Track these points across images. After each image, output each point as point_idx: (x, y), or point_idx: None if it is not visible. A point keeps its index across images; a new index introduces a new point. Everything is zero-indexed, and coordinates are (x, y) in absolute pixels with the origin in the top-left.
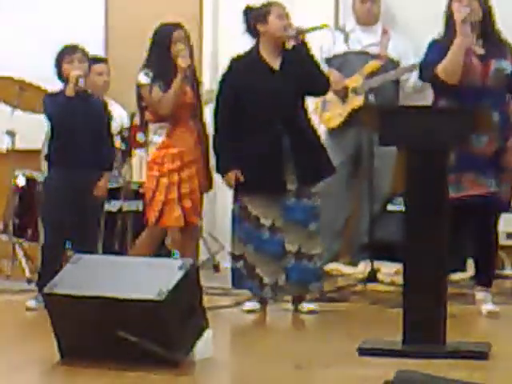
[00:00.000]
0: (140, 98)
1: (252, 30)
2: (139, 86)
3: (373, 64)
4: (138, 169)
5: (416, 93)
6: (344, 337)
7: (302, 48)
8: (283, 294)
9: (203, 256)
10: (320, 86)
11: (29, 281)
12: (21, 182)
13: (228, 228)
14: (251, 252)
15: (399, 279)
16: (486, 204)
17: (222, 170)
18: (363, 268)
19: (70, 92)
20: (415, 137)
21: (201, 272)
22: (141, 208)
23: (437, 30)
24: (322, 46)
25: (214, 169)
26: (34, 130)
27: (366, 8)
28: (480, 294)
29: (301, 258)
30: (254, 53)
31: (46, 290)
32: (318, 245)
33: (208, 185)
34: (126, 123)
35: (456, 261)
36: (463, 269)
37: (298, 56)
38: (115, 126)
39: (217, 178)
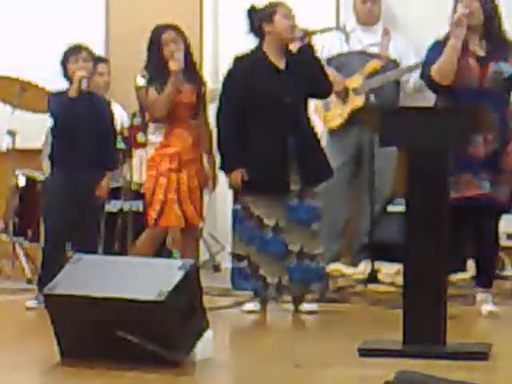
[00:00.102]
0: (138, 99)
1: (256, 29)
2: (136, 88)
3: (373, 64)
4: (138, 169)
5: (416, 93)
6: (344, 337)
7: (308, 49)
8: (286, 293)
9: (204, 256)
10: (323, 88)
11: (29, 281)
12: (21, 181)
13: (228, 228)
14: (254, 252)
15: (399, 280)
16: (482, 205)
17: (228, 169)
18: (363, 268)
19: (72, 93)
20: (416, 137)
21: (201, 272)
22: (141, 208)
23: (438, 30)
24: (322, 46)
25: (218, 168)
26: (34, 129)
27: (366, 8)
28: (480, 295)
29: (303, 258)
30: (258, 52)
31: (46, 290)
32: (320, 245)
33: (212, 185)
34: (127, 123)
35: (456, 261)
36: (463, 269)
37: (303, 57)
38: (115, 126)
39: (220, 178)
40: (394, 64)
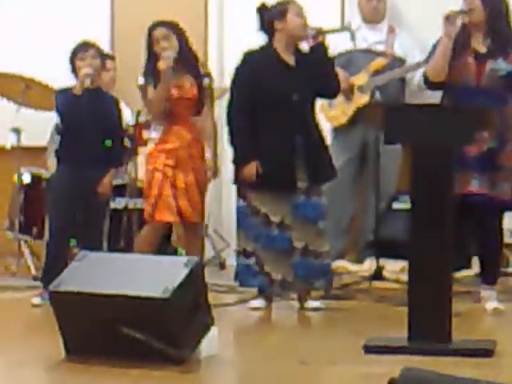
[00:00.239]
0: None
1: (267, 27)
2: (138, 87)
3: (378, 62)
4: (143, 166)
5: (422, 91)
6: (349, 334)
7: (320, 48)
8: (291, 290)
9: (209, 253)
10: (332, 89)
11: (34, 278)
12: (26, 179)
13: (234, 225)
14: (260, 249)
15: (404, 277)
16: (483, 204)
17: (242, 161)
18: (369, 265)
19: (76, 90)
20: (421, 135)
21: (206, 269)
22: None
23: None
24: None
25: (231, 161)
26: (39, 127)
27: (371, 6)
28: (485, 292)
29: (307, 255)
30: (268, 49)
31: (51, 287)
32: (326, 243)
33: (215, 173)
34: (131, 121)
35: (461, 258)
36: (468, 266)
37: (315, 56)
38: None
39: (224, 176)
40: (400, 62)
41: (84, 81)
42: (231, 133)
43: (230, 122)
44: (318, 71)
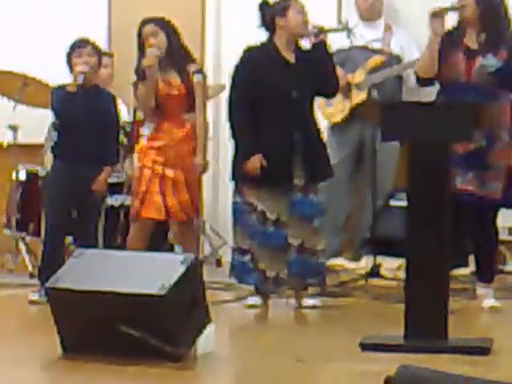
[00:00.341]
0: None
1: (268, 23)
2: (131, 84)
3: (376, 59)
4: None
5: (418, 88)
6: (346, 332)
7: (321, 47)
8: (284, 286)
9: (206, 251)
10: (331, 87)
11: (31, 275)
12: (22, 176)
13: (230, 223)
14: (256, 246)
15: (401, 274)
16: (470, 202)
17: (246, 155)
18: (365, 263)
19: (70, 88)
20: (418, 132)
21: (203, 266)
22: None
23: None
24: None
25: (233, 156)
26: (36, 124)
27: (368, 3)
28: (481, 290)
29: (303, 252)
30: (269, 45)
31: (48, 284)
32: (321, 240)
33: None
34: (128, 118)
35: (458, 256)
36: (465, 264)
37: (316, 54)
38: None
39: (221, 172)
40: (397, 59)
41: (77, 78)
42: (233, 128)
43: (231, 118)
44: (318, 69)
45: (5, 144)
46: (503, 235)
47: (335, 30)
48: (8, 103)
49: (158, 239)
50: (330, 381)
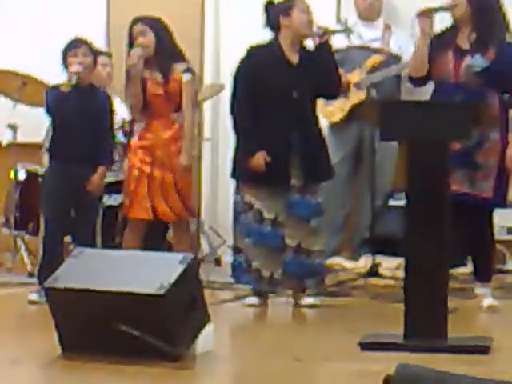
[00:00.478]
0: None
1: (273, 23)
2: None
3: (374, 59)
4: None
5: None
6: (345, 331)
7: (325, 47)
8: (279, 286)
9: (205, 250)
10: (333, 89)
11: (30, 274)
12: (22, 175)
13: (229, 222)
14: (250, 245)
15: (400, 274)
16: (461, 202)
17: (249, 152)
18: (364, 262)
19: (64, 88)
20: (416, 131)
21: (202, 266)
22: None
23: (439, 25)
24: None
25: (238, 152)
26: (35, 123)
27: (367, 2)
28: (480, 289)
29: (299, 253)
30: (273, 45)
31: (47, 283)
32: (318, 241)
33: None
34: (127, 117)
35: (456, 255)
36: (464, 263)
37: (319, 54)
38: (117, 121)
39: (220, 171)
40: (395, 59)
41: (71, 78)
42: (235, 126)
43: (234, 115)
44: (321, 70)
45: (4, 143)
46: (502, 235)
47: (340, 32)
48: (7, 102)
49: (157, 239)
50: (328, 380)
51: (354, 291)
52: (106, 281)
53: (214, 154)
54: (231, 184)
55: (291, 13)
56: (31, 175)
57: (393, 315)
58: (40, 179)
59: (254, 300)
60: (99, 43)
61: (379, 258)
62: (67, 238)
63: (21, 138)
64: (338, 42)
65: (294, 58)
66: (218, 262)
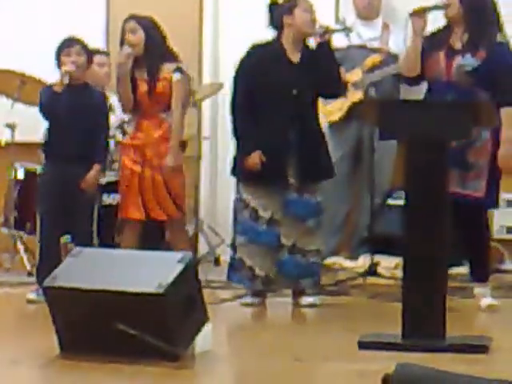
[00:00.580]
0: None
1: (276, 22)
2: None
3: (373, 58)
4: None
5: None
6: (344, 330)
7: (326, 46)
8: (274, 286)
9: (203, 249)
10: (334, 88)
11: (29, 274)
12: (20, 174)
13: (228, 221)
14: (245, 243)
15: (399, 273)
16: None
17: (246, 151)
18: (363, 262)
19: (57, 87)
20: (415, 130)
21: (201, 265)
22: None
23: (437, 25)
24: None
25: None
26: (34, 122)
27: (366, 2)
28: (478, 289)
29: (294, 253)
30: (275, 43)
31: (46, 282)
32: (314, 241)
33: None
34: (126, 116)
35: (455, 255)
36: (462, 263)
37: (320, 53)
38: (115, 120)
39: (219, 171)
40: (394, 58)
41: (63, 78)
42: (234, 123)
43: (233, 113)
44: (322, 68)
45: (2, 142)
46: (501, 234)
47: (340, 30)
48: (6, 101)
49: (155, 239)
50: (327, 380)
51: (353, 290)
52: (105, 280)
53: (212, 153)
54: (230, 183)
55: (294, 11)
56: (30, 174)
57: (392, 314)
58: (38, 178)
59: (249, 299)
60: (98, 42)
61: (378, 258)
62: (66, 238)
63: (19, 137)
64: (337, 41)
65: (295, 57)
66: (216, 261)
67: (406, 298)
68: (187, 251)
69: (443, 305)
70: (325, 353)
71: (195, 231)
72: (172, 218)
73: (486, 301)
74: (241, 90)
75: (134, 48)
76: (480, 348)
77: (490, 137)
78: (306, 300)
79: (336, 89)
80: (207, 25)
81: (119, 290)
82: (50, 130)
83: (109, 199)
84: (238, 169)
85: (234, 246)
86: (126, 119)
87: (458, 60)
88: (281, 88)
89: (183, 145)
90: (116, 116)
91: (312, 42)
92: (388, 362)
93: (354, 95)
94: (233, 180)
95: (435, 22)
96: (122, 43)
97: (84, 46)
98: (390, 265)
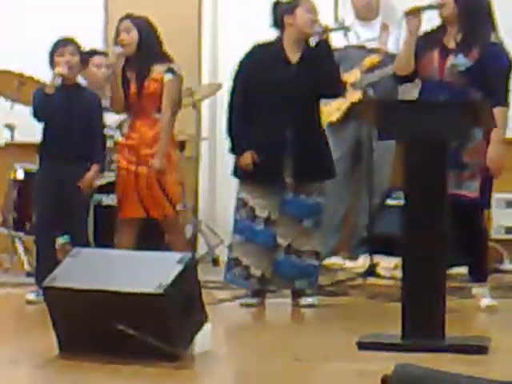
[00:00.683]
0: None
1: (279, 21)
2: None
3: (372, 59)
4: None
5: (415, 87)
6: (343, 331)
7: (324, 45)
8: (270, 286)
9: (202, 250)
10: (333, 88)
11: (28, 274)
12: (19, 175)
13: (227, 221)
14: (242, 242)
15: (398, 273)
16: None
17: (239, 151)
18: (362, 262)
19: (48, 89)
20: (414, 130)
21: (200, 266)
22: None
23: (432, 24)
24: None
25: (228, 150)
26: (33, 123)
27: (365, 2)
28: (476, 290)
29: (290, 253)
30: (277, 43)
31: (45, 283)
32: (310, 242)
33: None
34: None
35: (454, 255)
36: (461, 263)
37: (319, 53)
38: (115, 120)
39: (218, 171)
40: (393, 58)
41: (55, 80)
42: (229, 122)
43: (230, 113)
44: (321, 68)
45: (2, 143)
46: (500, 234)
47: (338, 29)
48: (5, 102)
49: (155, 240)
50: (327, 380)
51: (352, 291)
52: (105, 280)
53: (211, 154)
54: (229, 183)
55: (295, 11)
56: (29, 175)
57: (391, 315)
58: None
59: (248, 299)
60: (96, 43)
61: (377, 258)
62: (65, 238)
63: (18, 137)
64: (335, 41)
65: (295, 57)
66: (215, 261)
67: (405, 298)
68: (185, 250)
69: (442, 305)
70: (325, 353)
71: (194, 232)
72: (166, 216)
73: (485, 301)
74: (238, 89)
75: (126, 48)
76: (479, 348)
77: (483, 137)
78: (306, 300)
79: (336, 89)
80: (206, 25)
81: (119, 290)
82: (44, 132)
83: (108, 200)
84: (238, 169)
85: (230, 245)
86: (126, 120)
87: (451, 60)
88: (277, 88)
89: (181, 145)
90: (115, 117)
91: (313, 42)
92: (388, 362)
93: (353, 95)
94: (232, 180)
95: (430, 21)
96: (115, 42)
97: (77, 46)
98: (389, 265)
